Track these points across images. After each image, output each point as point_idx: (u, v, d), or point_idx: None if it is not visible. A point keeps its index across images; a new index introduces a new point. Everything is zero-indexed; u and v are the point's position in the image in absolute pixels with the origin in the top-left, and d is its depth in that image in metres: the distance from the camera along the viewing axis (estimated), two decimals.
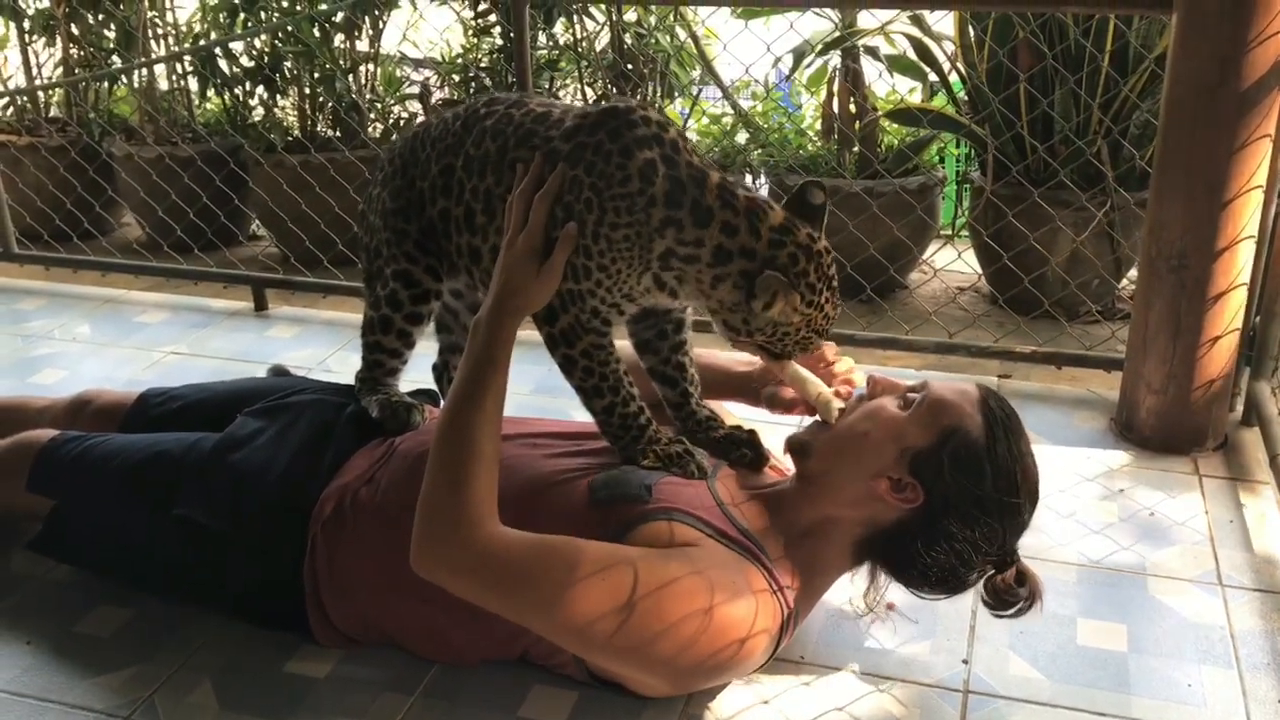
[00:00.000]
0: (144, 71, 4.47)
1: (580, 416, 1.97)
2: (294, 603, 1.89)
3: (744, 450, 1.92)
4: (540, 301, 1.75)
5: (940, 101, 4.05)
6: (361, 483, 1.90)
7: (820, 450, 1.82)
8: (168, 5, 4.50)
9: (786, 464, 1.98)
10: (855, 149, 3.91)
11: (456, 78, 4.29)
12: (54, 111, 4.81)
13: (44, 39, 4.62)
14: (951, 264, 3.63)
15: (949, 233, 4.37)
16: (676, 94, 4.18)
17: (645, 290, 1.76)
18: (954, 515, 1.73)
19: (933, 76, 3.97)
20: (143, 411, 2.25)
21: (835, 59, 3.96)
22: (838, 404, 1.85)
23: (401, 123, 4.48)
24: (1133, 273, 3.78)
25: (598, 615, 1.60)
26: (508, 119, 1.83)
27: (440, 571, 1.66)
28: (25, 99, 4.70)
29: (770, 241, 1.67)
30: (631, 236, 1.69)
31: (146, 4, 4.37)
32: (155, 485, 1.96)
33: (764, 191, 3.92)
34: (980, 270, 3.83)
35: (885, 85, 4.16)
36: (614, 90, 4.01)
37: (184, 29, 4.58)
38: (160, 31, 4.52)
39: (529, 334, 1.81)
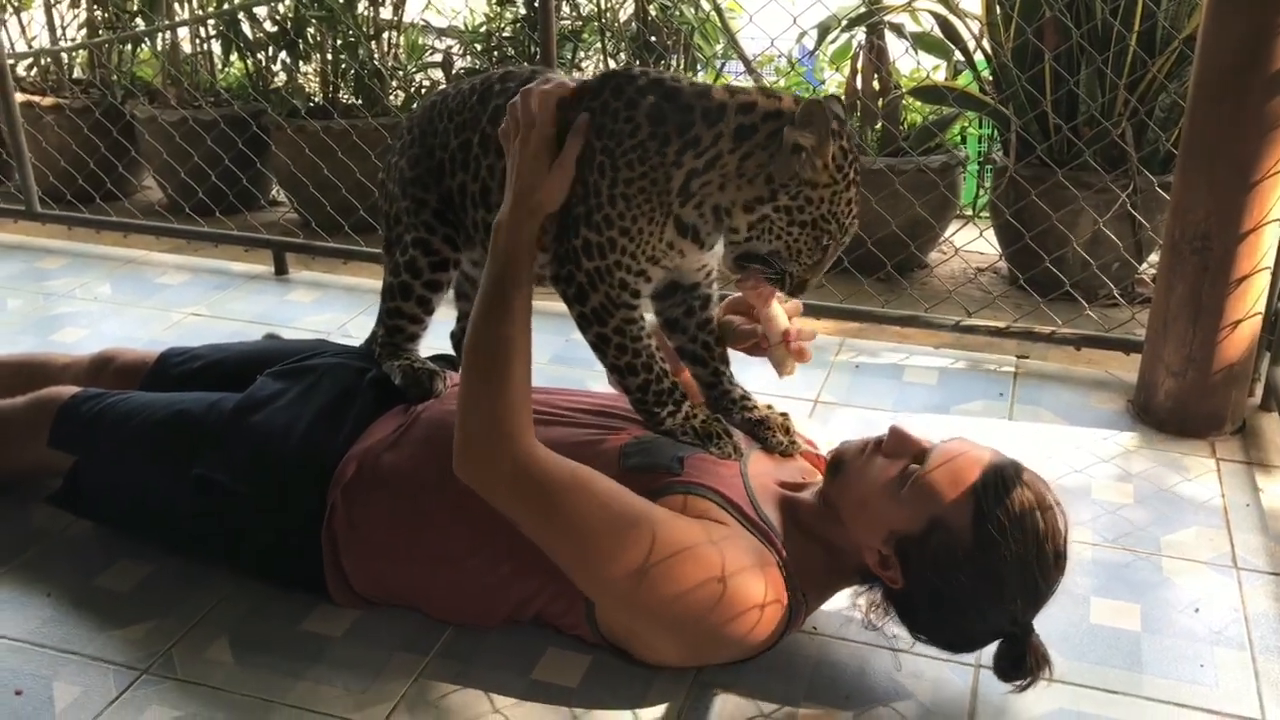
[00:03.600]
0: (168, 34, 4.48)
1: (599, 388, 1.98)
2: (312, 563, 1.91)
3: (778, 435, 1.92)
4: (555, 200, 1.71)
5: (965, 80, 4.02)
6: (384, 447, 1.90)
7: (843, 483, 1.76)
8: None
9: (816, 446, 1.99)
10: (878, 126, 3.89)
11: (479, 47, 4.28)
12: (78, 73, 4.82)
13: (69, 0, 4.62)
14: (971, 243, 3.61)
15: (969, 212, 4.36)
16: (700, 67, 4.16)
17: (668, 246, 1.73)
18: (931, 605, 1.69)
19: (958, 55, 3.94)
20: (164, 370, 2.26)
21: (860, 35, 3.94)
22: (792, 363, 1.83)
23: (423, 91, 4.48)
24: (1154, 256, 3.77)
25: (621, 563, 1.61)
26: None
27: (480, 479, 1.68)
28: (50, 60, 4.71)
29: (796, 101, 1.65)
30: (648, 187, 1.67)
31: None
32: (175, 444, 1.97)
33: None
34: (1000, 250, 3.81)
35: (910, 63, 4.13)
36: (637, 62, 4.00)
37: None
38: None
39: (546, 304, 1.80)
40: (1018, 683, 1.69)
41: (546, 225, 1.76)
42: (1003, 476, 1.65)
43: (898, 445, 1.72)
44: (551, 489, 1.64)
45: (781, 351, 1.83)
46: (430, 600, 1.89)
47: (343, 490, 1.88)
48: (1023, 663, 1.69)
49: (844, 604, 1.88)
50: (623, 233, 1.70)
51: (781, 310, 1.85)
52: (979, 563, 1.62)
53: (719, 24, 4.15)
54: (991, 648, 1.72)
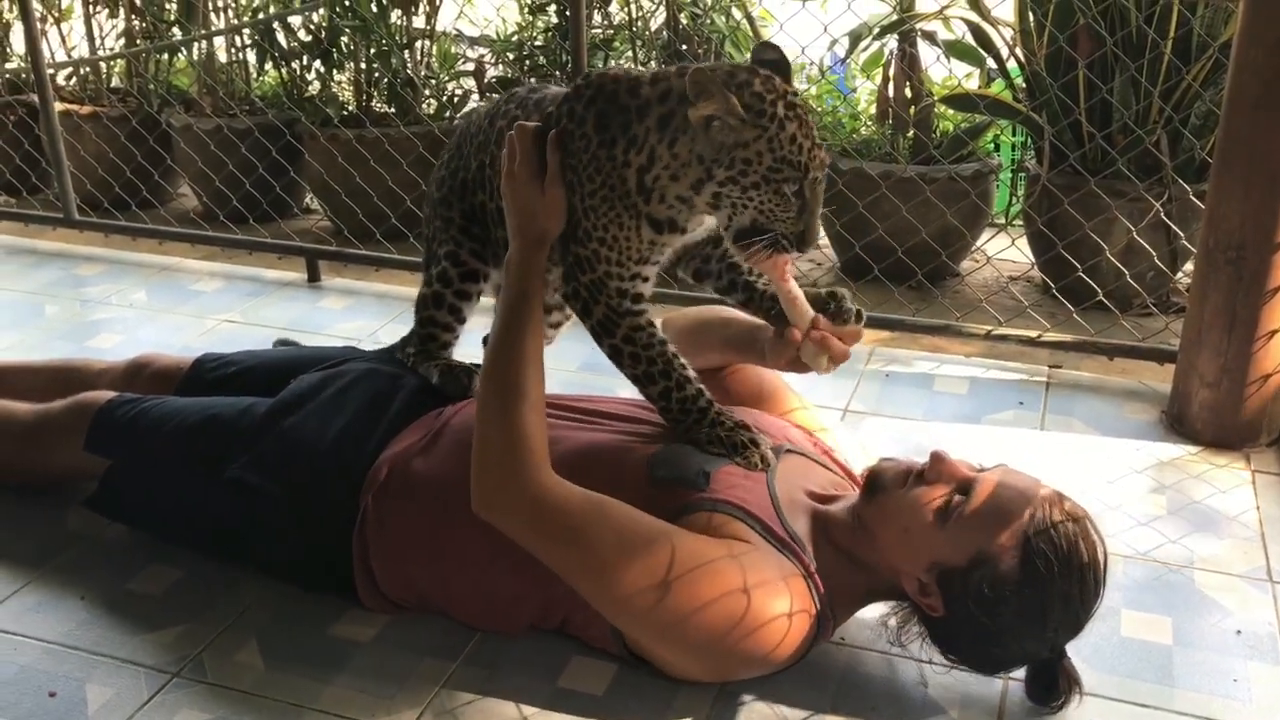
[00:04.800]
0: (203, 44, 4.53)
1: (627, 393, 1.98)
2: (342, 567, 1.92)
3: (829, 302, 1.84)
4: (556, 222, 1.76)
5: (998, 88, 4.00)
6: (415, 453, 1.92)
7: (880, 507, 1.74)
8: None
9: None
10: (909, 134, 3.88)
11: (511, 56, 4.30)
12: (115, 82, 4.88)
13: (107, 10, 4.69)
14: (1003, 252, 3.59)
15: (1002, 221, 4.33)
16: None
17: (651, 244, 1.76)
18: (972, 634, 1.68)
19: (990, 63, 3.92)
20: (198, 376, 2.29)
21: (892, 43, 3.93)
22: (823, 359, 1.79)
23: (456, 99, 4.50)
24: (1189, 265, 3.73)
25: (638, 586, 1.61)
26: (520, 116, 1.87)
27: (499, 514, 1.70)
28: (88, 69, 4.77)
29: (681, 74, 1.65)
30: (610, 195, 1.71)
31: None
32: (209, 448, 1.99)
33: None
34: (1033, 259, 3.78)
35: (942, 70, 4.12)
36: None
37: (243, 2, 4.62)
38: (220, 4, 4.57)
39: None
40: (1051, 706, 1.70)
41: (555, 245, 1.80)
42: (1051, 511, 1.65)
43: (941, 472, 1.71)
44: (569, 520, 1.66)
45: (810, 347, 1.80)
46: (456, 605, 1.90)
47: (374, 494, 1.90)
48: (1055, 686, 1.70)
49: (873, 615, 1.87)
50: (601, 242, 1.74)
51: (808, 306, 1.80)
52: (1025, 598, 1.62)
53: (750, 32, 4.15)
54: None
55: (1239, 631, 1.95)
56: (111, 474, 2.07)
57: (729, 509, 1.72)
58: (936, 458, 1.72)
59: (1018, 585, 1.61)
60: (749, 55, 4.11)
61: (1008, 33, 3.79)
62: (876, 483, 1.76)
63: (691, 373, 1.83)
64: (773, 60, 1.71)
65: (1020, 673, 1.77)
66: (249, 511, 1.95)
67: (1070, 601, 1.63)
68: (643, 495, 1.74)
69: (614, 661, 1.82)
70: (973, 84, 4.08)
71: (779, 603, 1.65)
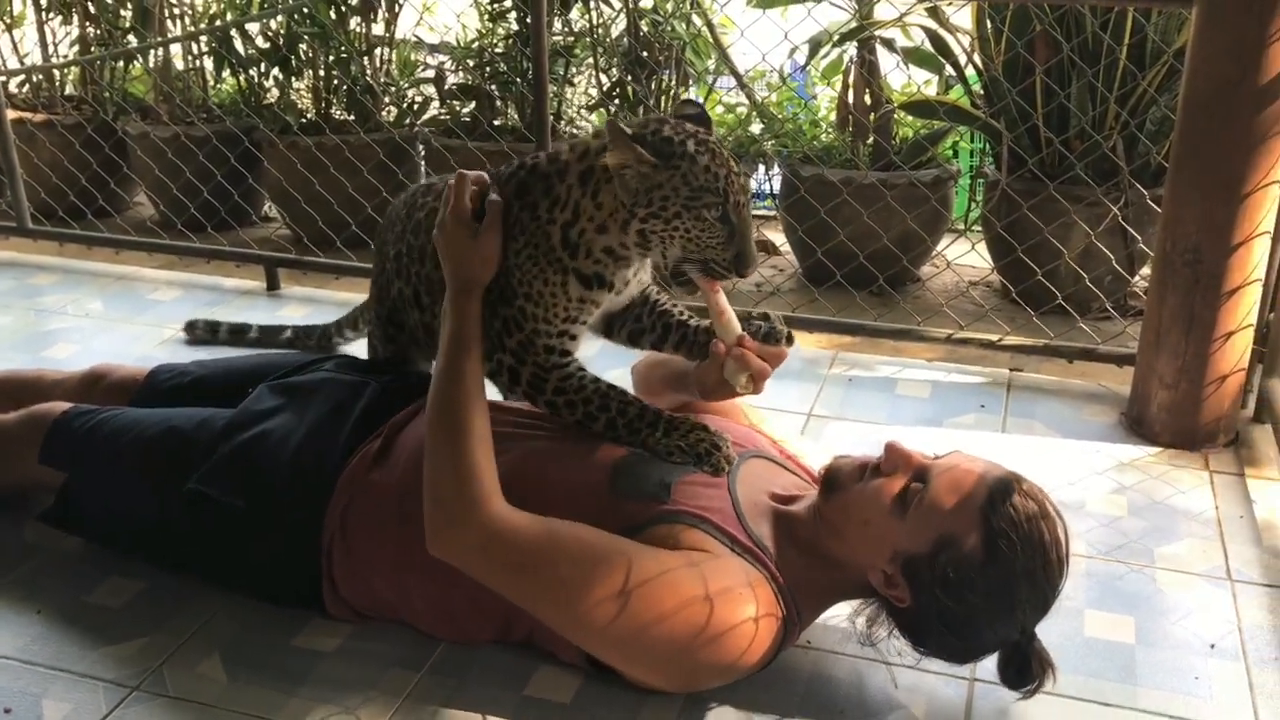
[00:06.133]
0: (160, 51, 4.48)
1: None
2: (306, 576, 1.90)
3: (759, 323, 1.85)
4: (486, 270, 1.78)
5: (957, 94, 4.04)
6: (377, 464, 1.90)
7: (840, 503, 1.74)
8: None
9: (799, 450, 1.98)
10: (869, 140, 3.90)
11: (471, 63, 4.28)
12: (70, 89, 4.82)
13: (60, 17, 4.63)
14: (963, 257, 3.62)
15: (961, 226, 4.37)
16: (692, 82, 4.17)
17: (580, 301, 1.79)
18: (941, 621, 1.67)
19: (949, 69, 3.96)
20: (154, 386, 2.26)
21: (851, 50, 3.95)
22: (744, 376, 1.79)
23: (416, 106, 4.48)
24: (1146, 269, 3.78)
25: (600, 608, 1.61)
26: (437, 208, 1.89)
27: (453, 551, 1.69)
28: (41, 76, 4.70)
29: (598, 135, 1.74)
30: (534, 252, 1.76)
31: None
32: (167, 460, 1.96)
33: (777, 183, 3.93)
34: (993, 264, 3.82)
35: (901, 77, 4.15)
36: (629, 78, 4.00)
37: (200, 9, 4.58)
38: (176, 11, 4.53)
39: None
40: (1024, 689, 1.70)
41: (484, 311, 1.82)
42: (1008, 491, 1.65)
43: (896, 461, 1.71)
44: (524, 550, 1.66)
45: (731, 364, 1.80)
46: (419, 616, 1.88)
47: (335, 505, 1.88)
48: (1028, 669, 1.70)
49: (839, 618, 1.88)
50: (528, 299, 1.78)
51: (736, 322, 1.81)
52: (991, 579, 1.62)
53: (710, 39, 4.16)
54: (990, 659, 1.72)
55: (1212, 646, 1.96)
56: (68, 487, 2.04)
57: (690, 519, 1.72)
58: (891, 448, 1.73)
59: (982, 566, 1.61)
60: (709, 61, 4.14)
61: (966, 40, 3.83)
62: (834, 479, 1.76)
63: (630, 395, 1.85)
64: (693, 115, 1.79)
65: (987, 674, 1.78)
66: (209, 524, 1.93)
67: (1035, 579, 1.63)
68: (602, 507, 1.73)
69: (581, 669, 1.80)
70: (932, 91, 4.11)
71: (743, 609, 1.65)
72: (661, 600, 1.61)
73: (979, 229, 4.00)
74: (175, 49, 4.54)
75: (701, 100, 4.13)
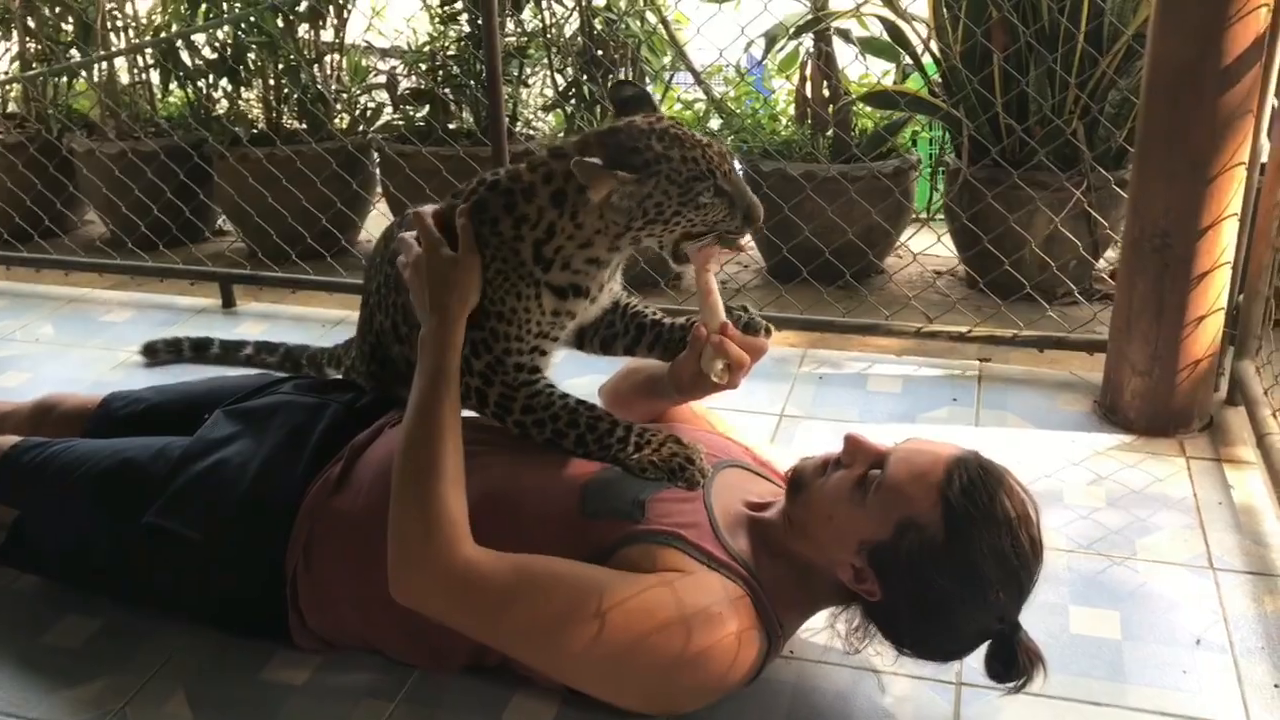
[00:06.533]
0: (104, 65, 4.37)
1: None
2: (271, 607, 1.84)
3: (739, 314, 1.84)
4: (471, 288, 1.71)
5: (914, 83, 4.01)
6: (339, 490, 1.84)
7: (804, 502, 1.71)
8: None
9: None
10: (829, 133, 3.87)
11: (424, 67, 4.21)
12: (11, 107, 4.71)
13: None
14: (930, 248, 3.60)
15: (924, 216, 4.35)
16: (648, 80, 4.12)
17: (554, 314, 1.75)
18: (915, 612, 1.64)
19: (905, 58, 3.93)
20: (107, 415, 2.19)
21: (807, 42, 3.92)
22: (721, 364, 1.76)
23: (369, 113, 4.41)
24: (1110, 253, 3.77)
25: (577, 643, 1.56)
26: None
27: (418, 598, 1.63)
28: None
29: (574, 143, 1.70)
30: (503, 267, 1.71)
31: None
32: (122, 493, 1.90)
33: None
34: (958, 255, 3.80)
35: (858, 68, 4.12)
36: (584, 77, 3.95)
37: (144, 21, 4.48)
38: (119, 24, 4.42)
39: None
40: (1012, 684, 1.64)
41: None
42: (965, 467, 1.62)
43: (855, 453, 1.69)
44: (494, 593, 1.60)
45: (709, 350, 1.76)
46: (388, 644, 1.83)
47: (298, 533, 1.82)
48: (1015, 662, 1.64)
49: (821, 627, 1.84)
50: (499, 318, 1.73)
51: (721, 306, 1.79)
52: (956, 558, 1.58)
53: (666, 36, 4.11)
54: (978, 659, 1.68)
55: (1185, 624, 1.95)
56: (20, 524, 1.97)
57: (665, 538, 1.67)
58: (848, 439, 1.70)
59: (945, 544, 1.57)
60: (665, 58, 4.08)
61: (923, 29, 3.80)
62: (799, 480, 1.74)
63: (599, 409, 1.81)
64: (632, 97, 1.77)
65: (974, 677, 1.74)
66: (168, 558, 1.86)
67: (1003, 557, 1.58)
68: (574, 529, 1.68)
69: (558, 695, 1.75)
70: (889, 80, 4.09)
71: (724, 627, 1.60)
72: (638, 628, 1.57)
73: (942, 218, 3.97)
74: (120, 62, 4.43)
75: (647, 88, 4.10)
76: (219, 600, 1.89)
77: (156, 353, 3.04)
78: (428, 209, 1.78)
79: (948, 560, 1.58)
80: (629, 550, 1.66)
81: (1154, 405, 2.57)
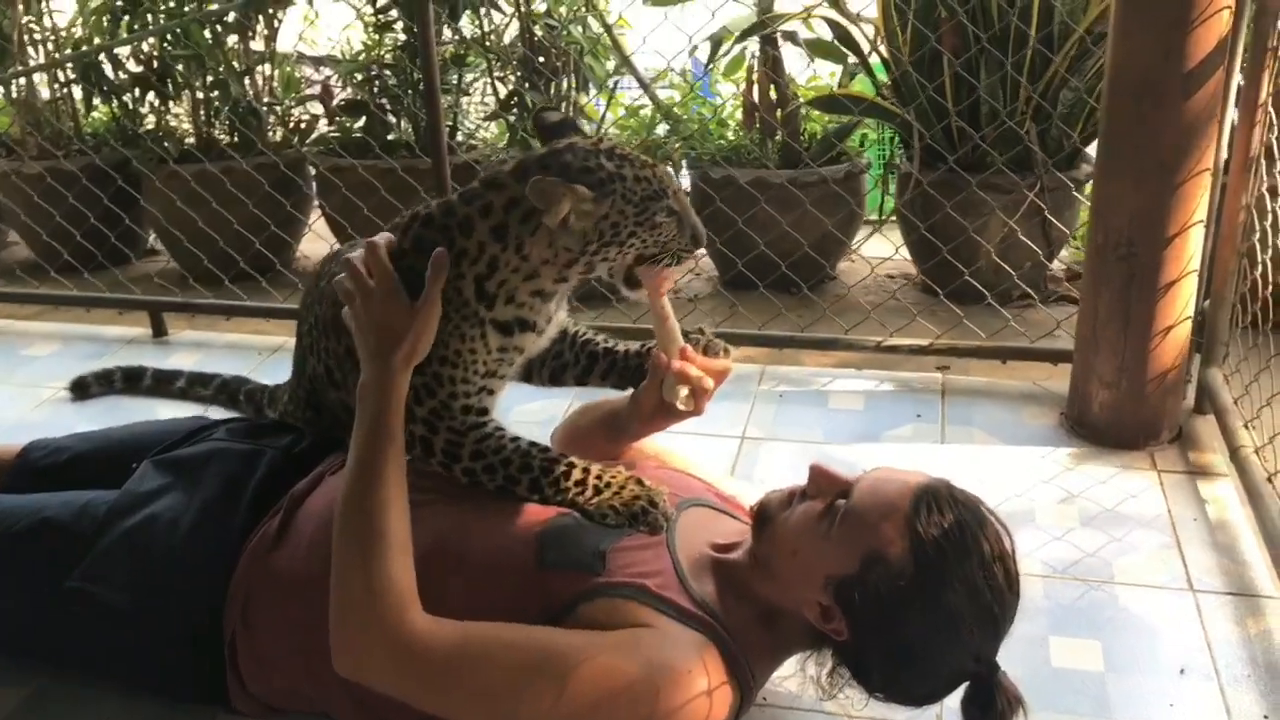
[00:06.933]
0: (22, 81, 4.18)
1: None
2: (208, 674, 1.72)
3: (696, 337, 1.78)
4: (425, 341, 1.59)
5: (861, 85, 3.94)
6: (278, 545, 1.72)
7: (770, 537, 1.62)
8: (45, 9, 4.22)
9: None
10: (778, 137, 3.78)
11: (359, 76, 4.07)
12: None
13: None
14: (888, 259, 3.53)
15: (876, 218, 4.28)
16: (592, 87, 4.01)
17: (499, 351, 1.66)
18: (885, 652, 1.55)
19: (852, 59, 3.85)
20: (27, 466, 2.05)
21: (753, 45, 3.83)
22: (685, 391, 1.71)
23: (302, 125, 4.26)
24: (1065, 253, 3.72)
25: (533, 714, 1.45)
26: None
27: (363, 671, 1.51)
28: None
29: (510, 171, 1.61)
30: (445, 308, 1.60)
31: (21, 8, 4.09)
32: (43, 556, 1.76)
33: (685, 184, 3.80)
34: (913, 260, 3.73)
35: (805, 70, 4.04)
36: (526, 86, 3.83)
37: (64, 34, 4.29)
38: (38, 37, 4.24)
39: None
40: None
41: None
42: (935, 497, 1.53)
43: (819, 483, 1.60)
44: (444, 666, 1.47)
45: (672, 379, 1.71)
46: (338, 705, 1.71)
47: (235, 593, 1.70)
48: (993, 705, 1.54)
49: (792, 673, 1.74)
50: (443, 362, 1.63)
51: (678, 330, 1.72)
52: (926, 593, 1.48)
53: (609, 42, 4.01)
54: (956, 700, 1.58)
55: (1169, 651, 1.88)
56: None
57: (629, 591, 1.56)
58: (813, 469, 1.62)
59: (914, 578, 1.48)
60: (609, 63, 3.98)
61: (869, 30, 3.73)
62: (764, 514, 1.65)
63: (552, 451, 1.71)
64: (559, 123, 1.71)
65: (961, 710, 1.66)
66: (96, 623, 1.73)
67: (976, 591, 1.49)
68: (531, 581, 1.57)
69: None
70: (834, 81, 4.01)
71: (693, 684, 1.50)
72: (601, 690, 1.45)
73: (893, 220, 3.91)
74: (39, 78, 4.24)
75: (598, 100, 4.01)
76: (152, 665, 1.76)
77: (87, 388, 2.89)
78: (381, 239, 1.65)
79: (917, 595, 1.49)
80: (591, 606, 1.55)
81: (1123, 417, 2.51)
